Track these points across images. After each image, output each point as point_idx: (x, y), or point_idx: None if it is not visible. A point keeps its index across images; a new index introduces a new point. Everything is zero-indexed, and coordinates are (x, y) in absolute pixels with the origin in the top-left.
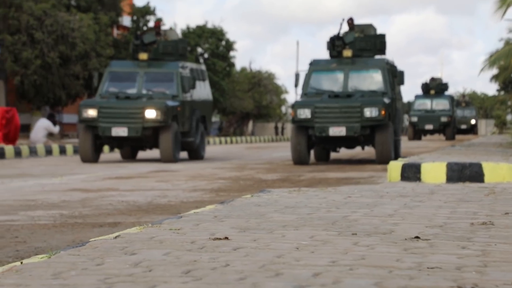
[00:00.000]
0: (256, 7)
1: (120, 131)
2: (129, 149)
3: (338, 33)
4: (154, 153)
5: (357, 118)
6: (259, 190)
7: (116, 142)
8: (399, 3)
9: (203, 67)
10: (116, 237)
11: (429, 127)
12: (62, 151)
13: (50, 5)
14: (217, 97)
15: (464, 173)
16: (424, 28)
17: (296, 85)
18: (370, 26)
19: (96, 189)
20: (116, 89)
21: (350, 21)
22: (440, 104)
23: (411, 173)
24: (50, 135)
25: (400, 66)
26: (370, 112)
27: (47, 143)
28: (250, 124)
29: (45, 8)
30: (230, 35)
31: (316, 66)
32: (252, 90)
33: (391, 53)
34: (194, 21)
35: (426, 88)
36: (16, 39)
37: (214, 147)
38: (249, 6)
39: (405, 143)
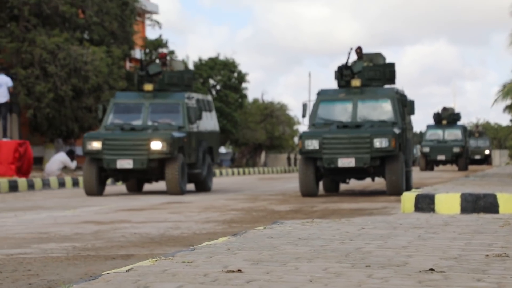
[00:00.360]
0: (268, 39)
1: (125, 164)
2: (135, 181)
3: (347, 62)
4: (161, 185)
5: (367, 149)
6: (272, 221)
7: (121, 175)
8: (412, 34)
9: (210, 97)
10: (129, 270)
11: (441, 157)
12: (75, 183)
13: (63, 39)
14: (230, 128)
15: (479, 204)
16: (436, 58)
17: (303, 116)
18: (379, 55)
19: (108, 221)
20: (121, 121)
21: (359, 50)
22: (452, 134)
23: (425, 204)
24: (65, 168)
25: (412, 97)
26: (380, 143)
27: (60, 175)
28: (263, 155)
29: (58, 42)
30: (242, 67)
31: (324, 96)
32: (264, 121)
33: (404, 83)
34: (207, 53)
35: (438, 118)
36: (29, 72)
37: (226, 178)
38: (261, 38)
39: (418, 174)
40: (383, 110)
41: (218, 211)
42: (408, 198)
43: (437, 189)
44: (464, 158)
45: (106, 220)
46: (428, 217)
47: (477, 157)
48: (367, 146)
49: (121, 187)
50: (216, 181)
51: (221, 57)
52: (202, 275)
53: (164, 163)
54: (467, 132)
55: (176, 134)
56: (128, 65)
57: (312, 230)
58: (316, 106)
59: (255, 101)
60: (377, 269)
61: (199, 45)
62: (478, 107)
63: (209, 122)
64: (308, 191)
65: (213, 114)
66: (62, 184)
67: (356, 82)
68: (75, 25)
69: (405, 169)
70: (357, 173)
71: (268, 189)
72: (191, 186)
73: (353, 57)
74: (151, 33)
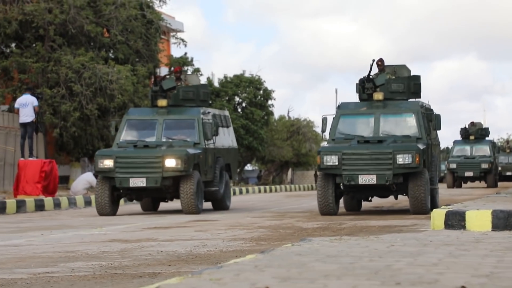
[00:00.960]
0: (294, 55)
1: (138, 182)
2: (150, 200)
3: (369, 75)
4: (178, 204)
5: (389, 165)
6: (300, 239)
7: (135, 194)
8: (440, 50)
9: (227, 113)
10: None
11: (469, 174)
12: None
13: (88, 58)
14: (256, 145)
15: (510, 221)
16: (466, 74)
17: (323, 131)
18: (404, 67)
19: (135, 240)
20: (134, 138)
21: (380, 62)
22: (481, 150)
23: (455, 220)
24: (91, 187)
25: (441, 113)
26: (403, 159)
27: (86, 194)
28: (289, 172)
29: (83, 61)
30: (268, 84)
31: (344, 109)
32: (291, 138)
33: (432, 99)
34: (232, 71)
35: (465, 133)
36: (55, 92)
37: (253, 195)
38: (287, 55)
39: (447, 191)
40: (407, 124)
41: (245, 228)
42: (438, 215)
43: (467, 205)
44: (493, 175)
45: (132, 238)
46: (459, 234)
47: (508, 173)
48: (389, 162)
49: (136, 206)
50: (243, 199)
51: (247, 74)
52: None
53: (179, 181)
54: (496, 148)
55: (191, 150)
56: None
57: (341, 247)
58: (336, 120)
59: (281, 118)
60: (408, 287)
61: (225, 62)
62: (509, 123)
63: (226, 138)
64: (327, 210)
65: (231, 130)
66: (88, 203)
67: (378, 96)
68: (100, 44)
69: (430, 187)
70: (379, 190)
71: (295, 206)
72: (208, 205)
73: (376, 69)
74: (176, 51)
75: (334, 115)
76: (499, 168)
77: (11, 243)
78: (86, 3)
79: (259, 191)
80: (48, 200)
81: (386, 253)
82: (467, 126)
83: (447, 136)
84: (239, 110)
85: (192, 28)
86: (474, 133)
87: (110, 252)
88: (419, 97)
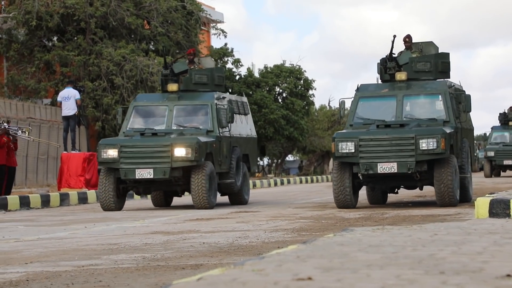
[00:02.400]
0: (335, 44)
1: (145, 173)
2: (162, 194)
3: (391, 53)
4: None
5: (411, 152)
6: (342, 229)
7: (142, 186)
8: (484, 36)
9: (245, 99)
10: (198, 279)
11: (508, 162)
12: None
13: (129, 51)
14: (297, 136)
15: None
16: (510, 60)
17: (341, 116)
18: (431, 44)
19: (177, 232)
20: (142, 126)
21: (408, 39)
22: None
23: (500, 209)
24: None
25: (486, 100)
26: (427, 144)
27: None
28: (331, 162)
29: (124, 53)
30: (309, 74)
31: (364, 92)
32: (332, 128)
33: (476, 86)
34: (272, 61)
35: (504, 118)
36: (97, 85)
37: (294, 186)
38: (328, 44)
39: (484, 180)
40: (433, 107)
41: (286, 219)
42: (483, 203)
43: None
44: None
45: (174, 230)
46: (504, 223)
47: None
48: (411, 148)
49: (148, 201)
50: (284, 189)
51: (287, 64)
52: (272, 283)
53: (190, 172)
54: None
55: (203, 139)
56: None
57: (383, 237)
58: (354, 104)
59: (322, 108)
60: (452, 276)
61: (265, 53)
62: None
63: (244, 126)
64: (344, 202)
65: (249, 117)
66: (130, 195)
67: (401, 76)
68: (140, 36)
69: (460, 175)
70: (401, 180)
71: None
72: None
73: (402, 47)
74: (217, 42)
75: (352, 98)
76: None
77: (55, 236)
78: None
79: (300, 182)
80: (91, 193)
81: (430, 242)
82: (506, 111)
83: (489, 123)
84: (280, 100)
85: (232, 19)
86: None
87: (153, 244)
88: (448, 76)
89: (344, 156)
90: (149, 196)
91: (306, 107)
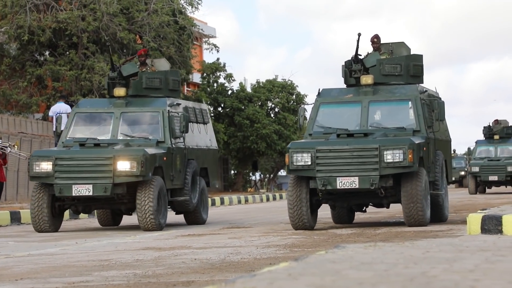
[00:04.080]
0: (327, 59)
1: (83, 190)
2: (109, 212)
3: (356, 54)
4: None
5: (375, 165)
6: (334, 245)
7: (81, 204)
8: (476, 51)
9: (205, 106)
10: None
11: (493, 178)
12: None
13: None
14: None
15: None
16: (502, 75)
17: (300, 125)
18: (402, 45)
19: (169, 247)
20: (84, 135)
21: (376, 39)
22: (506, 151)
23: (492, 225)
24: None
25: (478, 115)
26: (392, 156)
27: None
28: None
29: None
30: (301, 89)
31: (325, 97)
32: None
33: (469, 101)
34: (265, 76)
35: (489, 132)
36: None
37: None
38: (320, 59)
39: (469, 197)
40: (402, 114)
41: (278, 235)
42: (474, 219)
43: (504, 210)
44: None
45: (166, 246)
46: (496, 239)
47: None
48: (375, 160)
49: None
50: (277, 205)
51: (279, 79)
52: None
53: (136, 189)
54: None
55: (152, 150)
56: (186, 89)
57: (375, 254)
58: (315, 110)
59: None
60: None
61: (257, 67)
62: None
63: (203, 136)
64: (300, 223)
65: (209, 127)
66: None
67: (367, 79)
68: (133, 51)
69: (432, 192)
70: (364, 197)
71: (328, 211)
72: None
73: (365, 49)
74: (209, 57)
75: (313, 105)
76: None
77: (46, 252)
78: (118, 10)
79: None
80: None
81: (422, 260)
82: (491, 124)
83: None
84: (272, 115)
85: (225, 33)
86: (499, 132)
87: (144, 260)
88: (421, 81)
89: (299, 169)
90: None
91: None
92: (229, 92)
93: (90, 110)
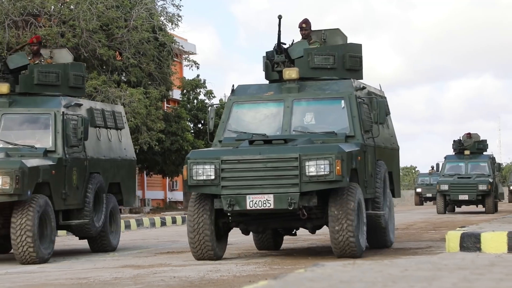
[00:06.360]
0: None
1: None
2: None
3: (279, 43)
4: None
5: (294, 179)
6: (313, 263)
7: None
8: (456, 69)
9: (120, 108)
10: None
11: (463, 197)
12: None
13: (100, 82)
14: None
15: None
16: (482, 93)
17: (209, 129)
18: (337, 32)
19: (148, 265)
20: None
21: (305, 25)
22: (478, 168)
23: (471, 243)
24: None
25: (459, 132)
26: (316, 168)
27: None
28: None
29: (95, 85)
30: None
31: (240, 95)
32: None
33: (449, 118)
34: None
35: (459, 146)
36: None
37: None
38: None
39: (437, 217)
40: (333, 116)
41: (258, 252)
42: (453, 237)
43: (482, 227)
44: (492, 198)
45: (145, 264)
46: (474, 257)
47: None
48: (294, 173)
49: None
50: None
51: None
52: None
53: (11, 211)
54: (496, 165)
55: (33, 162)
56: (165, 106)
57: (354, 272)
58: (227, 112)
59: None
60: None
61: (238, 84)
62: None
63: (115, 145)
64: (201, 252)
65: (125, 133)
66: None
67: (291, 73)
68: (112, 68)
69: (370, 212)
70: (282, 220)
71: None
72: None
73: (289, 37)
74: (189, 73)
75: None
76: None
77: (24, 270)
78: (98, 27)
79: None
80: None
81: (400, 278)
82: (461, 138)
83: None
84: None
85: (205, 50)
86: (470, 147)
87: (123, 278)
88: (360, 76)
89: (200, 185)
90: None
91: None
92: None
93: None
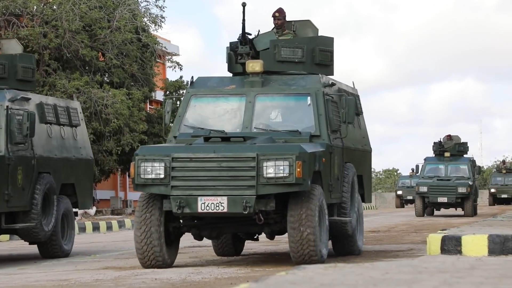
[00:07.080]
0: None
1: None
2: None
3: (243, 33)
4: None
5: (250, 180)
6: (294, 266)
7: None
8: (438, 72)
9: (76, 103)
10: None
11: (442, 199)
12: (96, 228)
13: (83, 83)
14: None
15: (507, 246)
16: (464, 96)
17: (165, 124)
18: (307, 24)
19: (129, 267)
20: None
21: (279, 13)
22: (457, 170)
23: (451, 245)
24: (85, 213)
25: (440, 135)
26: (274, 169)
27: (80, 220)
28: None
29: (78, 85)
30: None
31: (199, 88)
32: None
33: (431, 121)
34: None
35: (439, 148)
36: None
37: None
38: None
39: (416, 220)
40: (299, 113)
41: (240, 254)
42: (434, 240)
43: (463, 230)
44: (471, 201)
45: (126, 266)
46: (455, 260)
47: (504, 196)
48: (250, 175)
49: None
50: None
51: None
52: None
53: None
54: (476, 168)
55: None
56: (148, 107)
57: (335, 275)
58: (184, 105)
59: None
60: None
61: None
62: (507, 145)
63: (69, 143)
64: (150, 259)
65: (81, 130)
66: (82, 229)
67: (254, 66)
68: (95, 68)
69: (336, 219)
70: (237, 224)
71: None
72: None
73: (252, 28)
74: (172, 75)
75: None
76: (493, 190)
77: (3, 272)
78: (81, 27)
79: None
80: None
81: (381, 281)
82: (441, 140)
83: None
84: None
85: (189, 51)
86: (450, 149)
87: (104, 280)
88: (331, 72)
89: (148, 185)
90: None
91: None
92: None
93: None
